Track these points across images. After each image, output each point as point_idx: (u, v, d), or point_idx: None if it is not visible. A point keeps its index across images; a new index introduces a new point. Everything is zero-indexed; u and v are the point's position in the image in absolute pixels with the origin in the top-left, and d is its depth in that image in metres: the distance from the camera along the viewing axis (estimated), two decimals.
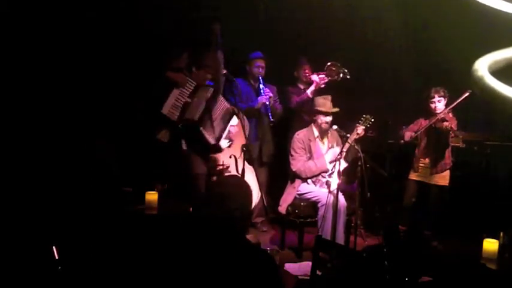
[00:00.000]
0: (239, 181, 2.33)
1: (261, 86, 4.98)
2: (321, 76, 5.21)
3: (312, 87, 5.18)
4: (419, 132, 4.88)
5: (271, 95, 4.98)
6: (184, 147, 4.35)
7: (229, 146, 4.51)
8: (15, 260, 3.06)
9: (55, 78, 4.61)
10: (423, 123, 4.92)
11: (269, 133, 5.16)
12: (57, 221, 3.73)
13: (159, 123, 4.27)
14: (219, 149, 4.44)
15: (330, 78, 5.21)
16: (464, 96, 4.72)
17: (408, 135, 4.95)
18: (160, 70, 4.47)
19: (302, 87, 5.34)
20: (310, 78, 5.27)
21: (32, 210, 3.86)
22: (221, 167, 4.42)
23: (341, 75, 5.17)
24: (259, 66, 5.04)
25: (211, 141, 4.36)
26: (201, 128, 4.30)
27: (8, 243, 3.29)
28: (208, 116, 4.33)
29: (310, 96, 5.08)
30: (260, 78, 5.01)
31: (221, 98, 4.45)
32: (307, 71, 5.33)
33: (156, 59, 4.57)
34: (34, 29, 4.49)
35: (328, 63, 5.24)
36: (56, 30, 4.57)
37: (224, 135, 4.44)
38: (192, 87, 4.31)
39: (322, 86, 5.20)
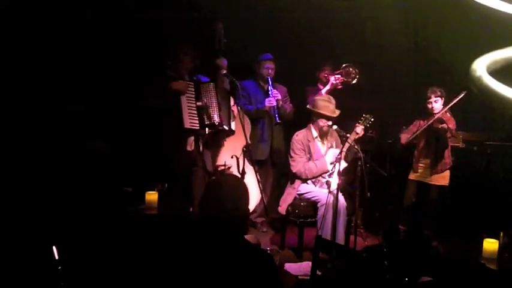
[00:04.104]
0: (236, 181, 2.33)
1: (270, 87, 5.01)
2: (336, 76, 5.24)
3: (327, 87, 5.22)
4: (416, 133, 4.87)
5: (279, 97, 5.01)
6: (189, 148, 4.39)
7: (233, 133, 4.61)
8: (15, 260, 3.07)
9: (55, 77, 4.61)
10: (421, 124, 4.92)
11: (280, 133, 5.18)
12: (57, 221, 3.73)
13: (184, 135, 4.38)
14: (233, 131, 4.60)
15: (346, 79, 5.24)
16: (460, 97, 4.71)
17: (404, 137, 4.95)
18: (161, 70, 4.50)
19: (321, 87, 5.35)
20: (328, 79, 5.30)
21: (32, 210, 3.87)
22: (223, 167, 4.45)
23: (357, 76, 5.20)
24: (268, 68, 5.08)
25: (226, 127, 4.52)
26: (224, 127, 4.46)
27: (8, 243, 3.29)
28: (223, 110, 4.46)
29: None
30: (269, 79, 5.04)
31: (222, 87, 4.54)
32: (327, 72, 5.36)
33: (157, 58, 4.59)
34: (34, 28, 4.50)
35: (344, 65, 5.27)
36: (59, 30, 4.58)
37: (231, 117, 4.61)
38: (193, 88, 4.37)
39: (340, 87, 5.25)
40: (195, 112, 4.37)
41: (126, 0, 4.95)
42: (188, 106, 4.34)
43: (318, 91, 5.30)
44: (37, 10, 4.52)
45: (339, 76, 5.25)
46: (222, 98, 4.50)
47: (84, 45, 4.72)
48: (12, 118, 4.41)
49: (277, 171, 5.28)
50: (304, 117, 5.18)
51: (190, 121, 4.33)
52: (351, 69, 5.25)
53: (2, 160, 4.23)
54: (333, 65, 5.37)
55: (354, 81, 5.24)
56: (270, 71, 5.07)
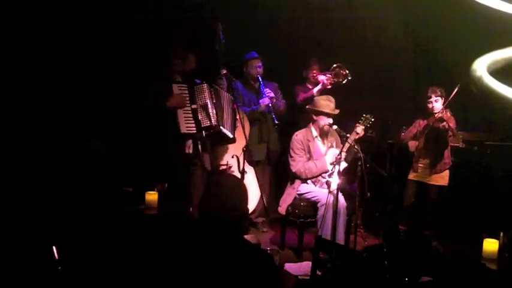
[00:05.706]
0: (236, 181, 2.33)
1: (262, 87, 4.99)
2: (327, 76, 5.24)
3: (319, 87, 5.24)
4: (422, 134, 4.87)
5: (272, 95, 4.99)
6: (188, 151, 4.39)
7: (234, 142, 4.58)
8: (15, 260, 3.06)
9: (55, 77, 4.61)
10: (421, 123, 4.92)
11: (275, 132, 5.18)
12: (58, 221, 3.73)
13: (183, 139, 4.38)
14: (234, 140, 4.57)
15: (336, 79, 5.23)
16: (454, 92, 4.68)
17: (412, 145, 4.94)
18: (162, 71, 4.50)
19: (310, 87, 5.36)
20: (317, 79, 5.29)
21: (32, 210, 3.87)
22: (225, 167, 4.45)
23: (348, 77, 5.20)
24: (257, 67, 5.05)
25: (231, 135, 4.51)
26: (222, 128, 4.42)
27: (8, 243, 3.29)
28: (219, 111, 4.43)
29: (315, 95, 5.08)
30: (260, 78, 5.02)
31: (218, 88, 4.53)
32: (315, 71, 5.35)
33: (157, 58, 4.59)
34: (34, 28, 4.50)
35: (334, 65, 5.26)
36: (59, 30, 4.58)
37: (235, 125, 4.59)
38: (187, 92, 4.35)
39: (329, 87, 5.24)
40: (191, 116, 4.34)
41: (126, 0, 4.95)
42: (184, 110, 4.32)
43: (307, 90, 5.31)
44: (37, 10, 4.52)
45: (330, 76, 5.25)
46: (219, 100, 4.46)
47: (84, 45, 4.72)
48: (13, 118, 4.41)
49: (274, 170, 5.28)
50: (299, 116, 5.20)
51: (187, 126, 4.31)
52: (340, 70, 5.25)
53: (2, 160, 4.23)
54: (320, 63, 5.38)
55: (344, 82, 5.24)
56: (259, 69, 5.06)
